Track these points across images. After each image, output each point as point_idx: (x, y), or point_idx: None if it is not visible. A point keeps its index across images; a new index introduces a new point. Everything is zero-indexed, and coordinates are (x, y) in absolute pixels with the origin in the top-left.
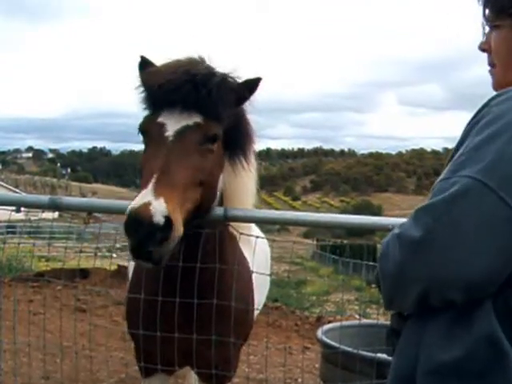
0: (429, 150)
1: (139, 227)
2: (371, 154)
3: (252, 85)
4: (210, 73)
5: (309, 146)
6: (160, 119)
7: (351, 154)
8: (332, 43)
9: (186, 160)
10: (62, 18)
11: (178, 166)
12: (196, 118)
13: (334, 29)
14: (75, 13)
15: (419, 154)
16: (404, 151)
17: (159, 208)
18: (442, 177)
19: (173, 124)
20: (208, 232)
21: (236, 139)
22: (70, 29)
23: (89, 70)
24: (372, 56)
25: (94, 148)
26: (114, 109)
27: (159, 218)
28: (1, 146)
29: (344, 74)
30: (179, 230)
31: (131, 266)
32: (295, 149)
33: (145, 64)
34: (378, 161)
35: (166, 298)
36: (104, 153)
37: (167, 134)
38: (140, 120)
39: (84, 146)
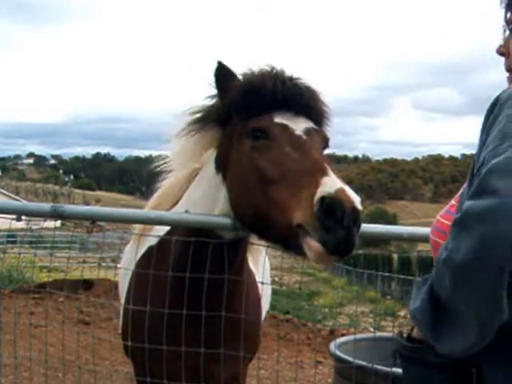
0: (446, 156)
1: (343, 214)
2: (386, 161)
3: None
4: (304, 80)
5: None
6: (277, 120)
7: (365, 160)
8: (344, 46)
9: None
10: (64, 21)
11: (328, 161)
12: (311, 124)
13: (345, 31)
14: (78, 15)
15: (436, 160)
16: (420, 157)
17: (353, 193)
18: (491, 147)
19: (295, 124)
20: (234, 243)
21: None
22: (72, 31)
23: (92, 73)
24: (385, 59)
25: (98, 154)
26: (119, 113)
27: (359, 204)
28: (1, 152)
29: (356, 77)
30: None
31: (123, 274)
32: None
33: (222, 70)
34: (393, 167)
35: (177, 311)
36: (108, 159)
37: (298, 132)
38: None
39: (87, 151)
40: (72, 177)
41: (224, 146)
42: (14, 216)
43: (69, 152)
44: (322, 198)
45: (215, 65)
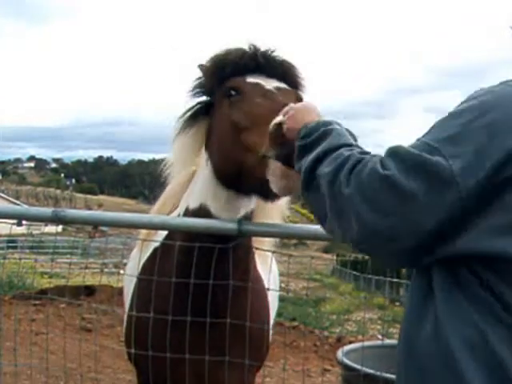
0: None
1: None
2: None
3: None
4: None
5: None
6: (250, 80)
7: None
8: (352, 47)
9: None
10: (67, 21)
11: None
12: (283, 85)
13: (353, 31)
14: (80, 14)
15: None
16: None
17: None
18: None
19: (267, 83)
20: (234, 245)
21: None
22: (73, 31)
23: (95, 75)
24: (395, 61)
25: (100, 157)
26: (122, 116)
27: None
28: (1, 155)
29: (365, 79)
30: None
31: (128, 280)
32: None
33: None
34: None
35: (184, 318)
36: (111, 162)
37: (268, 87)
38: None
39: (89, 155)
40: (74, 181)
41: (209, 124)
42: (15, 221)
43: (70, 155)
44: (278, 124)
45: (199, 70)
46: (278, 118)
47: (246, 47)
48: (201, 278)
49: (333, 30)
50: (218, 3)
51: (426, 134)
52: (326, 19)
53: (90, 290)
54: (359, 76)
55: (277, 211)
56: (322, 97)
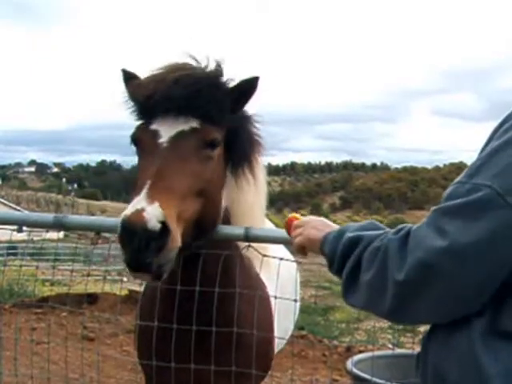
0: (468, 163)
1: (133, 236)
2: (405, 169)
3: (248, 85)
4: (199, 75)
5: (337, 159)
6: (153, 126)
7: (384, 168)
8: (360, 49)
9: (184, 165)
10: (68, 23)
11: (174, 170)
12: (192, 123)
13: (358, 32)
14: (82, 18)
15: (458, 168)
16: (441, 165)
17: (154, 213)
18: (458, 179)
19: (167, 130)
20: (211, 254)
21: (239, 150)
22: (75, 35)
23: (96, 76)
24: (401, 62)
25: (103, 162)
26: (125, 119)
27: (154, 224)
28: (1, 160)
29: (370, 81)
30: (177, 239)
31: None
32: (322, 162)
33: (129, 77)
34: (413, 175)
35: (171, 325)
36: (114, 167)
37: (161, 140)
38: (132, 130)
39: (92, 159)
40: (76, 186)
41: None
42: (15, 227)
43: (72, 160)
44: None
45: (121, 73)
46: (124, 213)
47: (161, 73)
48: (177, 285)
49: (338, 30)
50: (219, 3)
51: (475, 173)
52: (329, 19)
53: (92, 298)
54: (365, 78)
55: (253, 217)
56: (328, 100)
